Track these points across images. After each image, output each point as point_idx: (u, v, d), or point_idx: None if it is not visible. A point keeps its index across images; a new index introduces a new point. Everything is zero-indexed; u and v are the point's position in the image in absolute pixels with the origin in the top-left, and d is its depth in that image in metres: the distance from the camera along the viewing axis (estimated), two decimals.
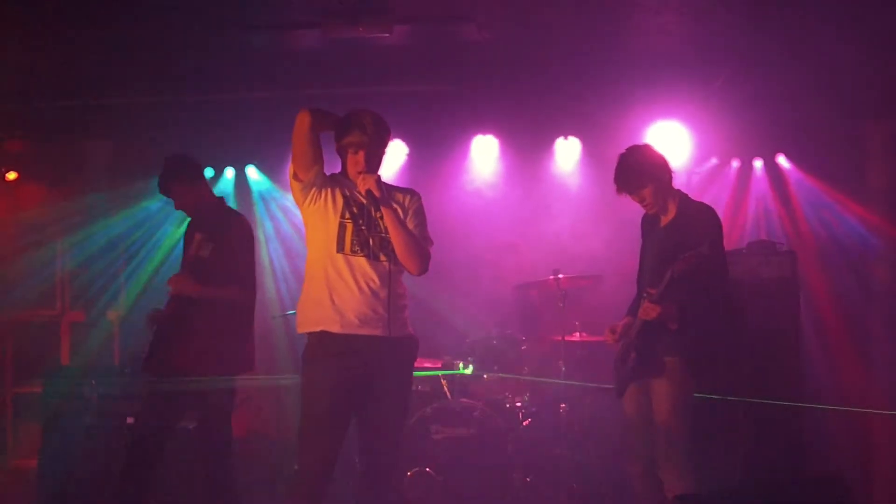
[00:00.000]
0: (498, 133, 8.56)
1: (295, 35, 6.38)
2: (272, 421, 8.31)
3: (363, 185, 4.61)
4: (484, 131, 8.56)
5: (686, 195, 5.17)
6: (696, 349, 4.89)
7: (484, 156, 8.65)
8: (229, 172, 9.06)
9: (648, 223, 5.32)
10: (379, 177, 4.64)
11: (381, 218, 4.68)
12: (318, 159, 4.67)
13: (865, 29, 6.10)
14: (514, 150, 8.56)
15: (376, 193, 4.58)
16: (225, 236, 5.57)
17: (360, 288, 4.59)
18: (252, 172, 9.04)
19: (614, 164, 5.13)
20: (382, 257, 4.65)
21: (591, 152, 8.38)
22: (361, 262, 4.61)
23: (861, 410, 7.00)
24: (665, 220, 5.14)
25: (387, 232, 4.67)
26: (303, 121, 4.59)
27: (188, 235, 5.79)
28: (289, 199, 8.81)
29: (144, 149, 8.53)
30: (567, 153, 8.52)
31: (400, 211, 4.70)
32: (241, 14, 6.09)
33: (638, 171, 5.06)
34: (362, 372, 4.59)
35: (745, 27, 6.24)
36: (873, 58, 6.41)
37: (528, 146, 8.47)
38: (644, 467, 5.08)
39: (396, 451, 4.83)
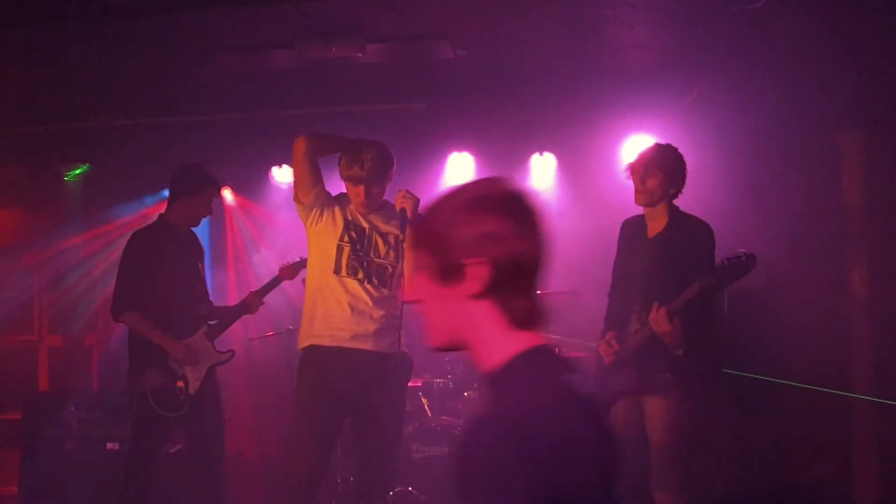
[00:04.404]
0: (473, 150, 8.55)
1: (268, 56, 6.37)
2: (255, 442, 8.27)
3: (401, 202, 4.71)
4: (459, 148, 8.55)
5: (678, 208, 5.04)
6: (695, 369, 4.75)
7: (460, 173, 8.62)
8: None
9: (631, 230, 5.19)
10: (419, 200, 4.69)
11: (384, 243, 4.79)
12: (316, 182, 4.79)
13: (837, 39, 6.14)
14: (489, 167, 8.51)
15: (409, 215, 4.65)
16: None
17: (353, 308, 4.70)
18: (227, 194, 9.00)
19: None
20: (375, 281, 4.73)
21: (567, 167, 8.37)
22: (354, 285, 4.73)
23: (844, 396, 6.97)
24: (654, 229, 5.01)
25: (385, 257, 4.77)
26: (298, 147, 4.74)
27: (198, 250, 5.99)
28: (266, 221, 8.81)
29: (119, 172, 8.52)
30: (543, 169, 8.51)
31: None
32: (214, 36, 6.08)
33: (663, 159, 4.96)
34: (351, 384, 4.64)
35: (719, 41, 6.26)
36: (847, 67, 6.44)
37: (503, 162, 8.42)
38: (627, 483, 5.00)
39: (393, 466, 4.88)
